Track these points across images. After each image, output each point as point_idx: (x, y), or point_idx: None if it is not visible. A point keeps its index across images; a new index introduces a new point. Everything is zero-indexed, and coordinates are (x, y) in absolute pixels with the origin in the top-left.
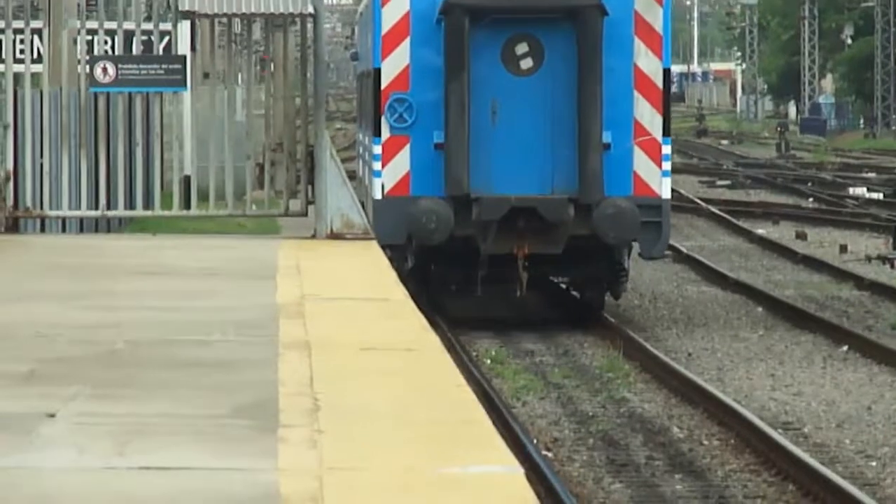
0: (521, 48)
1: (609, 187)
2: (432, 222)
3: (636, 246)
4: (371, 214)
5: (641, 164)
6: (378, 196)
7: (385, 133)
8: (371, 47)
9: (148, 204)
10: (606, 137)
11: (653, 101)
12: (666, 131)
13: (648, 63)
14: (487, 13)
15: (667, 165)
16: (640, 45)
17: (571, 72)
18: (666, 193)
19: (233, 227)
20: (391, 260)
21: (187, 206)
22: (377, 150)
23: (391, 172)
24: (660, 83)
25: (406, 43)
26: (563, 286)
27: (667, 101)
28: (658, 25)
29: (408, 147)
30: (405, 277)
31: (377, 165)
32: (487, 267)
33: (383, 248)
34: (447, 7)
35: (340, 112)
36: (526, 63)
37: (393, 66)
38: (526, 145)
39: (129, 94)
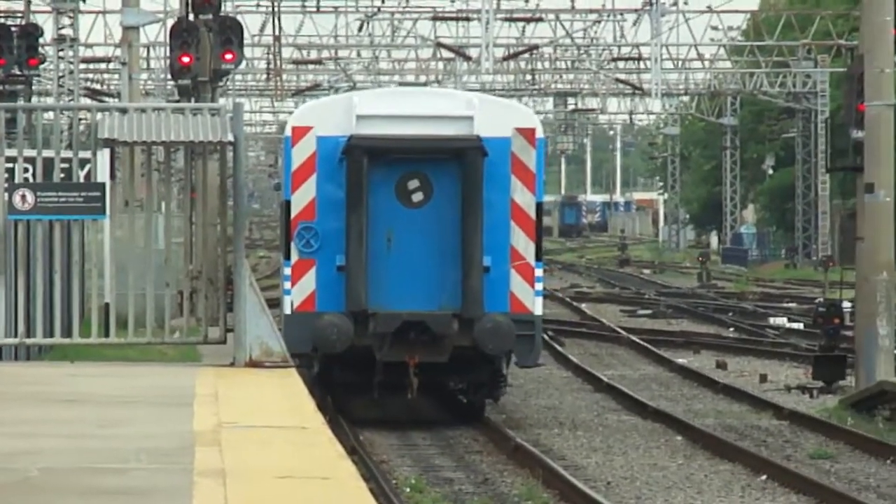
0: (413, 184)
1: (488, 304)
2: (334, 334)
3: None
4: (282, 327)
5: (517, 284)
6: (288, 311)
7: (294, 256)
8: (283, 182)
9: (68, 331)
10: (486, 261)
11: (527, 231)
12: (538, 256)
13: (523, 197)
14: (383, 153)
15: (539, 286)
16: (516, 182)
17: (456, 204)
18: (538, 310)
19: (154, 354)
20: (299, 367)
21: (107, 333)
22: (287, 271)
23: (299, 291)
24: (533, 215)
25: (313, 178)
26: (455, 390)
27: (539, 230)
28: (532, 165)
29: (314, 269)
30: (311, 382)
31: (287, 285)
32: (383, 373)
33: (292, 356)
34: (348, 148)
35: (264, 240)
36: (417, 196)
37: (301, 198)
38: (417, 267)
39: (49, 221)
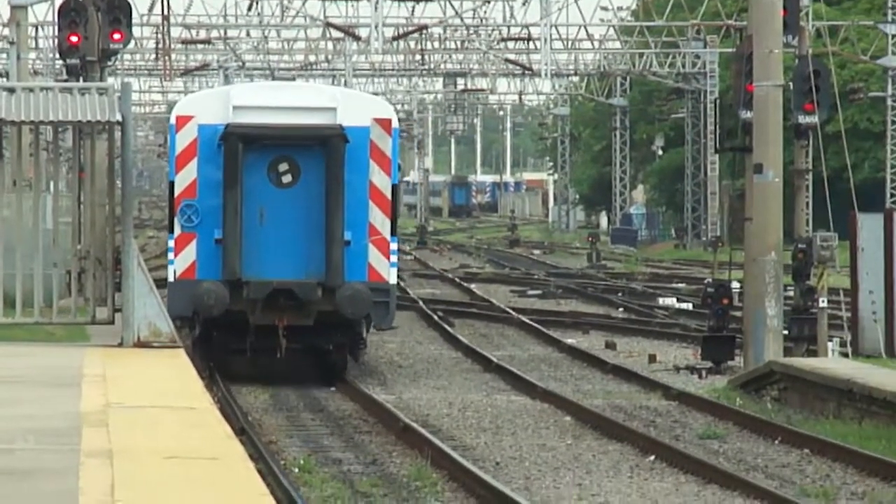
0: (283, 167)
1: (349, 274)
2: (212, 299)
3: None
4: (167, 294)
5: (374, 257)
6: (171, 279)
7: (177, 230)
8: (168, 164)
9: None
10: (347, 236)
11: (384, 209)
12: (393, 232)
13: (380, 179)
14: (256, 139)
15: (394, 258)
16: (374, 166)
17: (321, 185)
18: (393, 279)
19: (42, 335)
20: (180, 328)
21: None
22: (171, 243)
23: (181, 261)
24: (389, 195)
25: (195, 161)
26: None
27: (395, 208)
28: (388, 151)
29: (195, 242)
30: (193, 343)
31: (171, 255)
32: (255, 335)
33: (174, 319)
34: (225, 134)
35: (153, 220)
36: (286, 178)
37: (184, 179)
38: (286, 241)
39: None
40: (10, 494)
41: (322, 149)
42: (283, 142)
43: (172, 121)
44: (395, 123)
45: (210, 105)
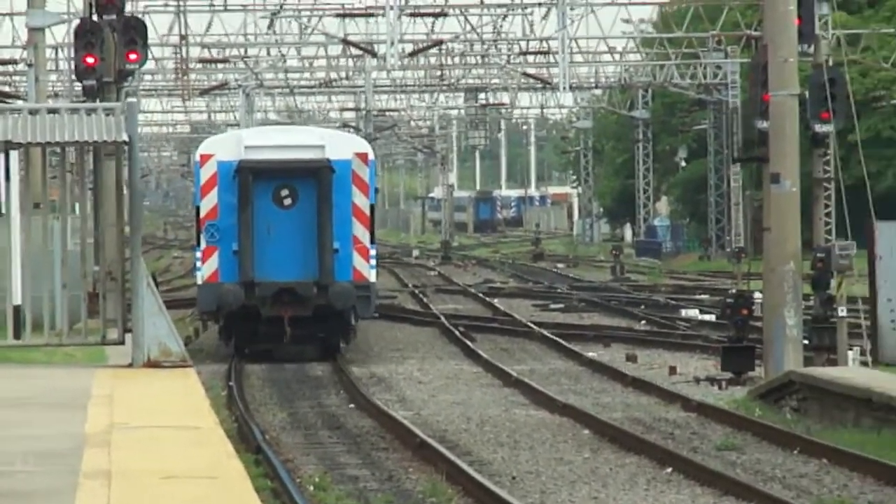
0: (284, 192)
1: (338, 275)
2: (231, 297)
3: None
4: (197, 294)
5: (357, 261)
6: (200, 282)
7: (203, 244)
8: (194, 192)
9: None
10: (336, 245)
11: (364, 224)
12: (372, 241)
13: (361, 200)
14: (263, 172)
15: (373, 262)
16: (355, 190)
17: (315, 206)
18: (372, 278)
19: (60, 357)
20: (206, 322)
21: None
22: (199, 255)
23: (207, 268)
24: (368, 212)
25: (215, 189)
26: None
27: (372, 222)
28: (366, 178)
29: (217, 253)
30: (219, 331)
31: (199, 264)
32: (266, 324)
33: (202, 314)
34: (239, 169)
35: (179, 240)
36: (287, 201)
37: (207, 204)
38: (288, 250)
39: None
40: None
41: (314, 178)
42: (284, 173)
43: (196, 158)
44: (371, 156)
45: (226, 145)
